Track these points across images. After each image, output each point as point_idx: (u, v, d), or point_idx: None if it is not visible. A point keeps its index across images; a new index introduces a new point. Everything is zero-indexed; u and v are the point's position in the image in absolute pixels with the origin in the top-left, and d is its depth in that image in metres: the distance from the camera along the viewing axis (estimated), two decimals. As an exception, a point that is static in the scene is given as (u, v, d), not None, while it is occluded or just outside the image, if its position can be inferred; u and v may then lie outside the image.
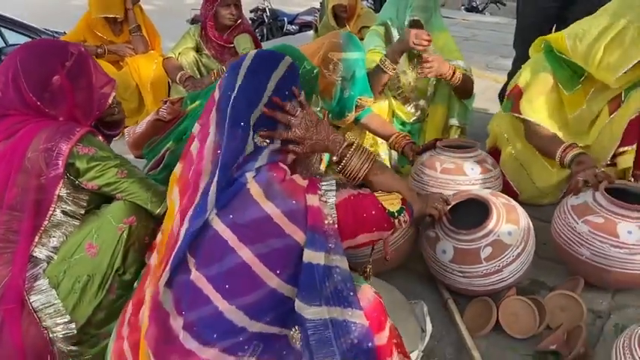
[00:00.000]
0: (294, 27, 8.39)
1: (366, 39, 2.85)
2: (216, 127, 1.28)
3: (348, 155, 1.41)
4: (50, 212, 1.53)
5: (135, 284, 1.54)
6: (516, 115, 2.33)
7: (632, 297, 1.91)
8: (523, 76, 2.37)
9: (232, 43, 3.54)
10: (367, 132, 2.70)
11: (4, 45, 4.47)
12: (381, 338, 1.24)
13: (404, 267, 2.06)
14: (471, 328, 1.75)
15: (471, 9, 10.47)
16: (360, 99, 2.21)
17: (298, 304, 1.18)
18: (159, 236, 1.40)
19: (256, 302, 1.18)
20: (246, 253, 1.17)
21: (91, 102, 1.68)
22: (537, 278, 2.02)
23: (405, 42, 2.39)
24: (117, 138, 1.94)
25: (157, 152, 2.04)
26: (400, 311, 1.72)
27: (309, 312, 1.17)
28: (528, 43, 2.54)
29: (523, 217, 1.84)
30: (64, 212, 1.56)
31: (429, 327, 1.69)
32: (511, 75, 3.13)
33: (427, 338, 1.67)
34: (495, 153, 2.55)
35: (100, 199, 1.65)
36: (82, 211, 1.60)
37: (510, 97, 2.41)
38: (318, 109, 2.22)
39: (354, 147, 1.42)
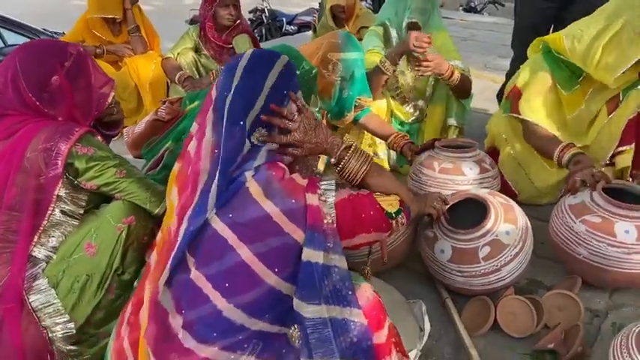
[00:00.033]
0: (292, 27, 8.39)
1: (365, 39, 2.85)
2: (213, 126, 1.28)
3: (346, 157, 1.43)
4: (49, 212, 1.53)
5: (135, 283, 1.54)
6: (515, 115, 2.34)
7: (629, 296, 1.92)
8: (522, 77, 2.37)
9: (231, 43, 3.54)
10: (366, 132, 2.71)
11: (3, 45, 4.47)
12: (380, 337, 1.25)
13: (402, 266, 2.06)
14: (469, 328, 1.75)
15: (470, 9, 10.47)
16: (359, 99, 2.22)
17: (297, 303, 1.19)
18: (158, 235, 1.40)
19: (255, 301, 1.19)
20: (245, 252, 1.18)
21: (89, 102, 1.68)
22: (535, 277, 2.03)
23: (406, 44, 2.40)
24: (116, 138, 1.94)
25: (155, 152, 2.04)
26: (399, 310, 1.72)
27: (308, 311, 1.18)
28: (526, 43, 2.55)
29: (521, 217, 1.84)
30: (63, 212, 1.57)
31: (427, 326, 1.70)
32: (509, 75, 3.14)
33: (425, 337, 1.67)
34: (494, 153, 2.56)
35: (99, 198, 1.65)
36: (81, 211, 1.61)
37: (509, 98, 2.41)
38: (317, 109, 2.23)
39: (352, 149, 1.43)
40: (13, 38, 4.38)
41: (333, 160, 1.45)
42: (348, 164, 1.43)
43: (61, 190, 1.54)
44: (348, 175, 1.43)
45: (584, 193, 1.91)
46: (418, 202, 1.69)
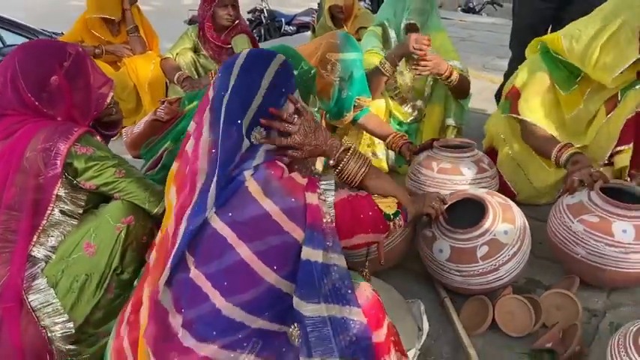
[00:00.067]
0: (291, 28, 8.39)
1: (364, 40, 2.86)
2: (210, 126, 1.29)
3: (345, 159, 1.44)
4: (48, 212, 1.54)
5: (135, 283, 1.54)
6: (514, 115, 2.34)
7: (627, 295, 1.93)
8: (520, 77, 2.37)
9: (230, 43, 3.54)
10: (364, 132, 2.71)
11: (2, 46, 4.47)
12: (379, 336, 1.26)
13: (401, 266, 2.07)
14: (468, 327, 1.75)
15: (468, 10, 10.48)
16: (358, 99, 2.22)
17: (297, 302, 1.19)
18: (158, 235, 1.40)
19: (255, 299, 1.19)
20: (244, 251, 1.18)
21: (88, 102, 1.68)
22: (533, 277, 2.04)
23: (405, 46, 2.41)
24: (115, 138, 1.94)
25: (154, 152, 2.04)
26: (397, 310, 1.72)
27: (308, 309, 1.18)
28: (524, 44, 2.55)
29: (519, 217, 1.85)
30: (62, 212, 1.57)
31: (425, 326, 1.70)
32: (507, 76, 3.14)
33: (424, 337, 1.67)
34: (492, 153, 2.57)
35: (99, 198, 1.66)
36: (81, 211, 1.61)
37: (508, 98, 2.41)
38: (316, 109, 2.23)
39: (350, 151, 1.44)
40: (12, 38, 4.38)
41: (331, 161, 1.46)
42: (346, 166, 1.43)
43: (60, 190, 1.54)
44: (347, 177, 1.44)
45: (582, 193, 1.92)
46: (417, 201, 1.70)
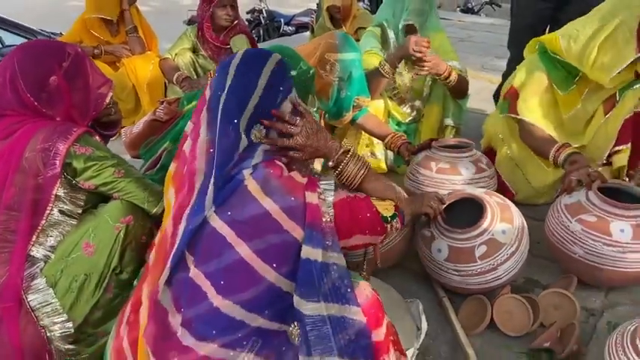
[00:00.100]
0: (290, 28, 8.39)
1: (362, 40, 2.86)
2: (207, 126, 1.29)
3: (344, 161, 1.46)
4: (47, 212, 1.54)
5: (134, 282, 1.55)
6: (512, 115, 2.35)
7: (624, 295, 1.93)
8: (518, 77, 2.38)
9: (229, 44, 3.54)
10: (363, 132, 2.72)
11: (1, 46, 4.46)
12: (379, 335, 1.26)
13: (399, 266, 2.07)
14: (466, 326, 1.76)
15: (467, 10, 10.50)
16: (357, 99, 2.23)
17: (297, 300, 1.19)
18: (157, 235, 1.40)
19: (255, 297, 1.19)
20: (244, 249, 1.19)
21: (87, 102, 1.68)
22: (531, 277, 2.04)
23: (405, 49, 2.41)
24: (114, 138, 1.94)
25: (153, 152, 2.05)
26: (396, 310, 1.73)
27: (308, 308, 1.18)
28: (522, 44, 2.56)
29: (517, 216, 1.85)
30: (61, 212, 1.57)
31: (424, 325, 1.70)
32: (506, 76, 3.15)
33: (422, 336, 1.68)
34: (490, 153, 2.57)
35: (98, 198, 1.66)
36: (80, 211, 1.61)
37: (507, 98, 2.42)
38: (315, 109, 2.24)
39: (350, 154, 1.47)
40: (11, 39, 4.37)
41: (331, 163, 1.48)
42: (346, 168, 1.46)
43: (59, 190, 1.54)
44: (346, 179, 1.47)
45: (579, 193, 1.92)
46: (415, 201, 1.71)
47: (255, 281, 1.19)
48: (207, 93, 1.34)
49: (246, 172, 1.23)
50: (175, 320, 1.20)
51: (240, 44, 3.50)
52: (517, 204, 2.00)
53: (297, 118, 1.37)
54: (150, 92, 3.60)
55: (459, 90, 2.67)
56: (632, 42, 2.00)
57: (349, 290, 1.23)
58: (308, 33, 5.13)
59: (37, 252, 1.55)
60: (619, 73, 2.07)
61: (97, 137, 1.66)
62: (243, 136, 1.26)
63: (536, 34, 2.51)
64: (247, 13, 8.54)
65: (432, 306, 1.89)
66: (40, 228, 1.54)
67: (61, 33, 4.31)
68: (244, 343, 1.18)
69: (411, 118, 2.94)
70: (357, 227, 1.32)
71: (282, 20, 8.56)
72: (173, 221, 1.28)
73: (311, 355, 1.16)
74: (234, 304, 1.18)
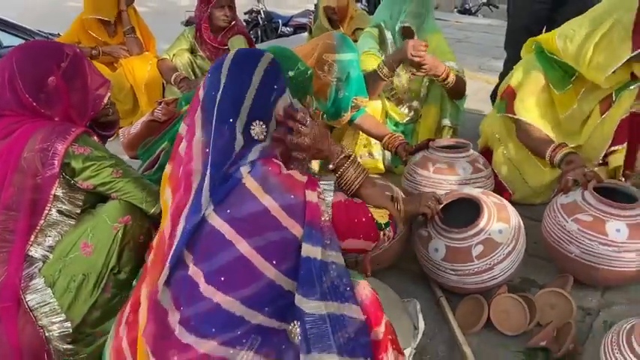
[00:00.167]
0: (288, 29, 8.41)
1: (360, 41, 2.87)
2: (202, 126, 1.30)
3: (345, 165, 1.49)
4: (46, 212, 1.54)
5: (133, 282, 1.55)
6: (510, 115, 2.36)
7: (620, 294, 1.94)
8: (515, 77, 2.39)
9: (227, 44, 3.55)
10: (361, 132, 2.72)
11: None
12: (378, 333, 1.26)
13: (397, 266, 2.08)
14: (463, 326, 1.77)
15: (464, 11, 10.54)
16: (355, 99, 2.24)
17: (298, 299, 1.20)
18: (155, 236, 1.41)
19: (255, 294, 1.19)
20: (244, 246, 1.19)
21: (86, 103, 1.68)
22: (528, 276, 2.05)
23: (403, 52, 2.42)
24: (112, 139, 1.95)
25: (151, 153, 2.05)
26: (393, 309, 1.73)
27: (309, 306, 1.19)
28: (519, 44, 2.57)
29: (514, 216, 1.86)
30: (59, 212, 1.57)
31: (421, 325, 1.71)
32: (503, 76, 3.16)
33: (420, 336, 1.68)
34: (487, 153, 2.58)
35: (96, 198, 1.66)
36: (78, 211, 1.61)
37: (504, 98, 2.42)
38: (313, 109, 2.25)
39: (350, 159, 1.50)
40: (9, 40, 4.38)
41: (331, 166, 1.50)
42: (346, 172, 1.49)
43: (57, 190, 1.55)
44: (345, 183, 1.49)
45: (576, 193, 1.93)
46: (412, 201, 1.72)
47: (255, 277, 1.20)
48: (201, 93, 1.34)
49: (244, 171, 1.24)
50: (174, 319, 1.20)
51: (238, 45, 3.51)
52: (514, 204, 2.00)
53: (308, 119, 1.40)
54: (148, 93, 3.61)
55: (457, 91, 2.68)
56: (627, 41, 2.00)
57: (348, 289, 1.24)
58: (306, 34, 5.14)
59: (36, 252, 1.55)
60: (615, 73, 2.08)
61: (95, 137, 1.66)
62: (239, 135, 1.27)
63: (532, 35, 2.51)
64: (245, 13, 8.55)
65: (430, 305, 1.90)
66: (38, 228, 1.54)
67: (59, 34, 4.31)
68: (244, 340, 1.18)
69: (408, 118, 2.94)
70: (352, 230, 1.33)
71: (279, 21, 8.58)
72: (171, 222, 1.29)
73: (310, 352, 1.17)
74: (235, 300, 1.18)
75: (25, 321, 1.51)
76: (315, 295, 1.20)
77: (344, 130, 2.80)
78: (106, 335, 1.44)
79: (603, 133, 2.33)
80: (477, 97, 3.91)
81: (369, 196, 1.47)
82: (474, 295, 1.85)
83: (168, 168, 1.40)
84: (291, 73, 1.64)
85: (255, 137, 1.29)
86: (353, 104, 2.25)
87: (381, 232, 1.38)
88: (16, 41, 4.14)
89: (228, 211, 1.21)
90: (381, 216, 1.39)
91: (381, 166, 2.88)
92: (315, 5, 4.68)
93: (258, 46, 4.81)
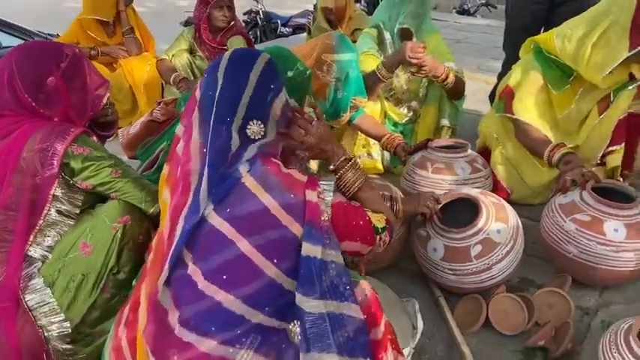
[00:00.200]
0: (287, 29, 8.41)
1: (359, 41, 2.87)
2: (200, 126, 1.30)
3: (345, 168, 1.49)
4: (45, 212, 1.54)
5: (133, 282, 1.55)
6: (508, 115, 2.36)
7: (618, 294, 1.95)
8: (513, 77, 2.39)
9: (226, 45, 3.55)
10: (359, 132, 2.73)
11: (-1, 47, 4.46)
12: (377, 333, 1.27)
13: (395, 265, 2.08)
14: (462, 325, 1.77)
15: (463, 12, 10.54)
16: (354, 99, 2.24)
17: (299, 298, 1.20)
18: (155, 237, 1.41)
19: (256, 292, 1.19)
20: (244, 245, 1.19)
21: (85, 103, 1.68)
22: (526, 276, 2.05)
23: (402, 54, 2.42)
24: (111, 139, 1.95)
25: (151, 153, 2.05)
26: (392, 309, 1.73)
27: (309, 305, 1.19)
28: (518, 45, 2.57)
29: (512, 216, 1.87)
30: (59, 212, 1.57)
31: (420, 324, 1.71)
32: (501, 76, 3.16)
33: (418, 335, 1.68)
34: (485, 153, 2.59)
35: (95, 198, 1.66)
36: (77, 211, 1.61)
37: (502, 98, 2.43)
38: (311, 110, 2.25)
39: (351, 162, 1.51)
40: (8, 40, 4.37)
41: (332, 167, 1.51)
42: (345, 175, 1.49)
43: (57, 190, 1.55)
44: (344, 186, 1.49)
45: (574, 193, 1.94)
46: (411, 201, 1.73)
47: (256, 276, 1.20)
48: (198, 94, 1.35)
49: (243, 170, 1.24)
50: (174, 318, 1.20)
51: (236, 45, 3.51)
52: (512, 204, 2.01)
53: (315, 119, 1.42)
54: (147, 93, 3.61)
55: (456, 91, 2.69)
56: (624, 40, 2.01)
57: (348, 288, 1.24)
58: (305, 34, 5.14)
59: (35, 252, 1.55)
60: (613, 73, 2.09)
61: (95, 138, 1.66)
62: (236, 135, 1.27)
63: (530, 35, 2.52)
64: (244, 14, 8.55)
65: (428, 305, 1.90)
66: (37, 228, 1.54)
67: (58, 34, 4.31)
68: (243, 339, 1.18)
69: (407, 118, 2.95)
70: (350, 233, 1.33)
71: (278, 21, 8.58)
72: (170, 222, 1.29)
73: (310, 351, 1.17)
74: (236, 298, 1.18)
75: (24, 321, 1.51)
76: (314, 294, 1.20)
77: (343, 131, 2.80)
78: (105, 335, 1.44)
79: (601, 133, 2.33)
80: (476, 97, 3.91)
81: (367, 200, 1.48)
82: (473, 294, 1.85)
83: (165, 169, 1.40)
84: (289, 74, 1.65)
85: (252, 136, 1.29)
86: (352, 104, 2.25)
87: (378, 237, 1.38)
88: (16, 41, 4.14)
89: (228, 210, 1.21)
90: (378, 220, 1.39)
91: (379, 166, 2.88)
92: (314, 5, 4.69)
93: (257, 46, 4.82)
